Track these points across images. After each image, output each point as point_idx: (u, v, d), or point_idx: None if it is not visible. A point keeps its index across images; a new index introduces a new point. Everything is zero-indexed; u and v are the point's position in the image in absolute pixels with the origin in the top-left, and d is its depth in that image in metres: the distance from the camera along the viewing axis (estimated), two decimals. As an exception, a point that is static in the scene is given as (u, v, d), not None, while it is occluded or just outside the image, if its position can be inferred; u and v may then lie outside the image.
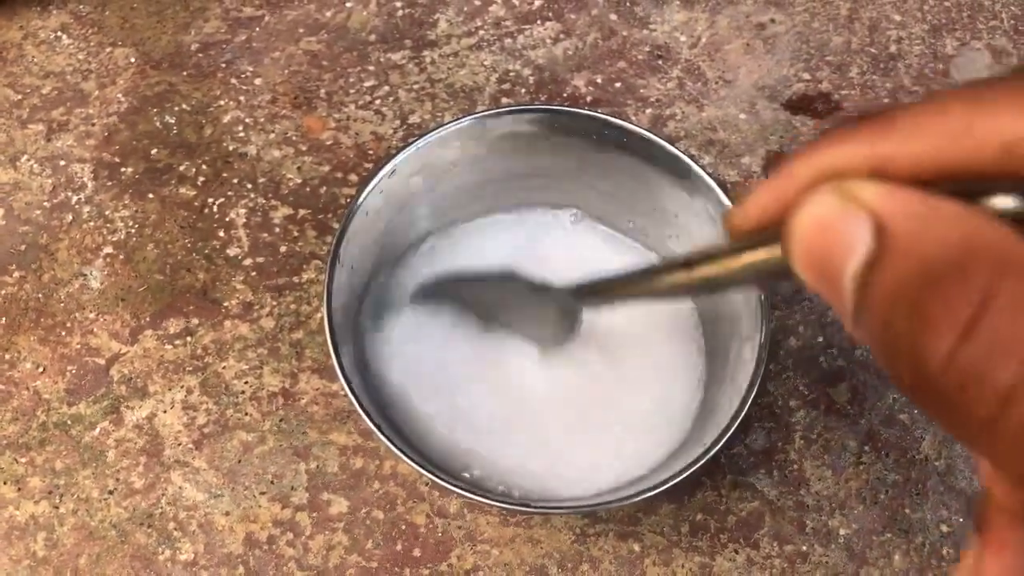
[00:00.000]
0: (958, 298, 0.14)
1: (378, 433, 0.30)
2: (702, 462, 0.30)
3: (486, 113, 0.36)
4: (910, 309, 0.15)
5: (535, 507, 0.32)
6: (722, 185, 0.35)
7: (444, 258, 0.39)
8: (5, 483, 0.37)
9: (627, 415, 0.36)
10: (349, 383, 0.31)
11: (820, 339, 0.40)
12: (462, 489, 0.30)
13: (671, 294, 0.30)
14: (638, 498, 0.30)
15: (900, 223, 0.15)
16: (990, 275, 0.14)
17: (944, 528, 0.37)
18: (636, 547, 0.36)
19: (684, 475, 0.30)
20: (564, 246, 0.40)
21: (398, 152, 0.36)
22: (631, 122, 0.45)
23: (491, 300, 0.36)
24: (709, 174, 0.34)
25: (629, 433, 0.36)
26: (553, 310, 0.34)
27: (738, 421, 0.31)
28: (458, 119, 0.36)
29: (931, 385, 0.15)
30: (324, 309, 0.32)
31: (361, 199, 0.35)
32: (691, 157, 0.35)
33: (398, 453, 0.30)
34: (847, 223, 0.16)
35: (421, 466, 0.30)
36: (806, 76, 0.47)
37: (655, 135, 0.35)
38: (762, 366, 0.32)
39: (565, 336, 0.35)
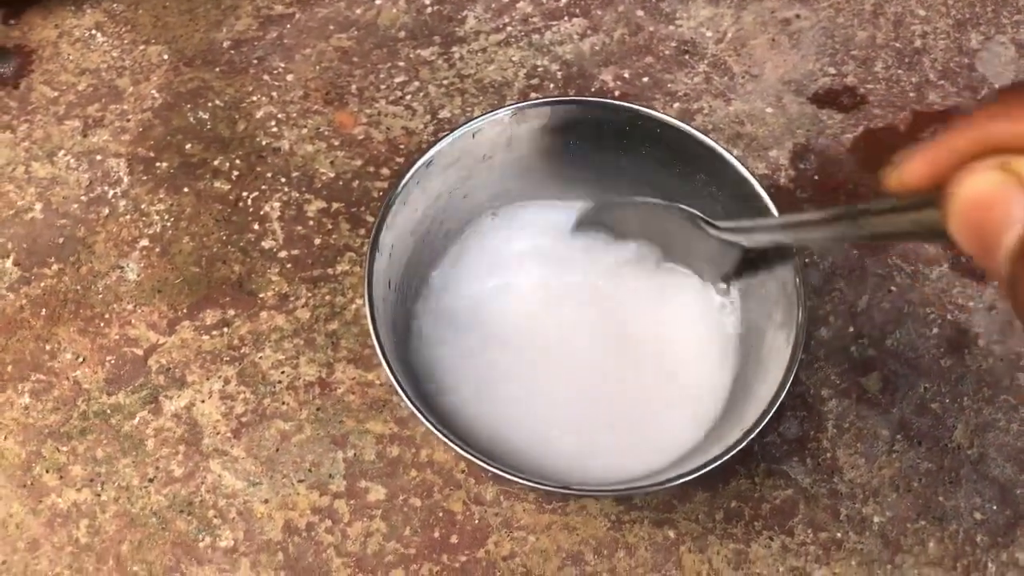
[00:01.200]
0: None
1: (418, 414, 0.31)
2: (740, 447, 0.31)
3: (520, 104, 0.37)
4: None
5: (573, 490, 0.32)
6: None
7: (473, 248, 0.39)
8: (47, 471, 0.38)
9: (658, 401, 0.36)
10: (389, 364, 0.31)
11: (851, 329, 0.41)
12: (500, 470, 0.30)
13: (832, 241, 0.33)
14: (675, 483, 0.30)
15: None
16: None
17: (978, 516, 0.37)
18: (671, 534, 0.37)
19: (722, 460, 0.30)
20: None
21: (434, 143, 0.36)
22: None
23: (657, 228, 0.37)
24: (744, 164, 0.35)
25: (661, 418, 0.36)
26: (715, 244, 0.34)
27: (775, 408, 0.31)
28: (492, 110, 0.37)
29: None
30: (364, 292, 0.33)
31: (399, 188, 0.35)
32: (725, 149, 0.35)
33: (438, 433, 0.30)
34: (1008, 198, 0.17)
35: (461, 447, 0.30)
36: (831, 70, 0.47)
37: (690, 125, 0.36)
38: (799, 353, 0.32)
39: (725, 270, 0.36)
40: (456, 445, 0.30)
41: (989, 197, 0.18)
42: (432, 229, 0.39)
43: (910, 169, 0.20)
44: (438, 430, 0.31)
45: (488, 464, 0.30)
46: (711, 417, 0.35)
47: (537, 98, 0.46)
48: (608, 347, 0.37)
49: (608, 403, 0.36)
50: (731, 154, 0.35)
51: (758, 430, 0.31)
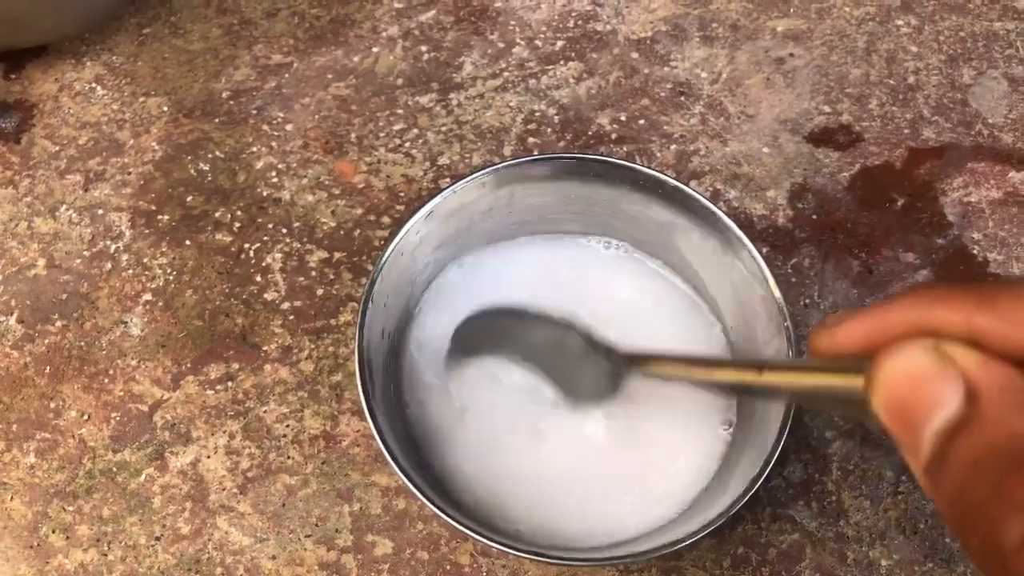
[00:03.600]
0: None
1: (411, 487, 0.31)
2: (733, 511, 0.31)
3: (521, 160, 0.37)
4: (991, 483, 0.16)
5: (575, 562, 0.33)
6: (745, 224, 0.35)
7: (466, 284, 0.39)
8: (54, 532, 0.38)
9: (657, 455, 0.36)
10: (383, 439, 0.32)
11: (852, 370, 0.41)
12: (499, 544, 0.31)
13: (731, 389, 0.31)
14: (676, 547, 0.30)
15: (993, 393, 0.17)
16: None
17: (984, 557, 0.37)
18: (679, 582, 0.37)
19: (714, 526, 0.30)
20: (596, 271, 0.40)
21: (433, 195, 0.36)
22: (656, 159, 0.46)
23: (537, 341, 0.36)
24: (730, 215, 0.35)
25: (661, 473, 0.36)
26: (602, 367, 0.34)
27: (765, 474, 0.31)
28: (494, 164, 0.37)
29: (1003, 562, 0.16)
30: (356, 362, 0.33)
31: (395, 242, 0.35)
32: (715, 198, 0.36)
33: (434, 508, 0.31)
34: (939, 380, 0.17)
35: (459, 522, 0.31)
36: (827, 109, 0.48)
37: (687, 186, 0.36)
38: (790, 413, 0.32)
39: (605, 394, 0.35)
40: (453, 520, 0.31)
41: (920, 375, 0.18)
42: (429, 280, 0.39)
43: (842, 332, 0.20)
44: (435, 505, 0.31)
45: (488, 538, 0.31)
46: (711, 466, 0.35)
47: (533, 145, 0.46)
48: (604, 406, 0.37)
49: (607, 457, 0.36)
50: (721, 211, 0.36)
51: (748, 496, 0.31)
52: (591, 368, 0.34)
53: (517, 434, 0.36)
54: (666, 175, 0.37)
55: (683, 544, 0.31)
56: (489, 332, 0.37)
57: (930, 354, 0.18)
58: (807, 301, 0.42)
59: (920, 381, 0.18)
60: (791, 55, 0.50)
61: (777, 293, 0.34)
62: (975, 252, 0.44)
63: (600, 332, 0.34)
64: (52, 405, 0.40)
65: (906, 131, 0.47)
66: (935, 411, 0.17)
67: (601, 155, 0.46)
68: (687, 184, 0.37)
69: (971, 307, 0.18)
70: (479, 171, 0.37)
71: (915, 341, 0.18)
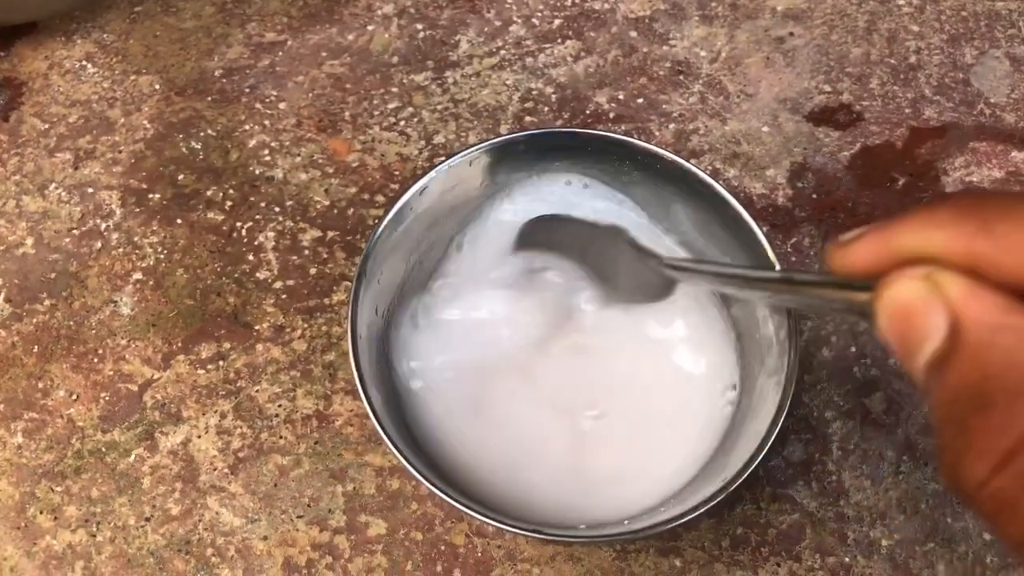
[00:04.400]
0: (1002, 426, 0.15)
1: (413, 470, 0.30)
2: (731, 489, 0.30)
3: (515, 135, 0.37)
4: (959, 423, 0.16)
5: (572, 537, 0.32)
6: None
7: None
8: (42, 512, 0.37)
9: (658, 429, 0.36)
10: (377, 417, 0.31)
11: (853, 349, 0.40)
12: (497, 521, 0.30)
13: (764, 299, 0.32)
14: (672, 524, 0.30)
15: (973, 328, 0.17)
16: None
17: (987, 536, 0.37)
18: (677, 563, 0.36)
19: (712, 503, 0.30)
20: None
21: (427, 171, 0.36)
22: (654, 138, 0.45)
23: (591, 248, 0.36)
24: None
25: (661, 447, 0.35)
26: (649, 272, 0.33)
27: (764, 451, 0.31)
28: (489, 140, 0.36)
29: (968, 499, 0.16)
30: (348, 336, 0.32)
31: (387, 218, 0.35)
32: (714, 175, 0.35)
33: (430, 486, 0.30)
34: (927, 311, 0.18)
35: (457, 501, 0.30)
36: (827, 88, 0.47)
37: (679, 157, 0.36)
38: (787, 401, 0.31)
39: (654, 296, 0.34)
40: (449, 496, 0.30)
41: (912, 306, 0.18)
42: (425, 258, 0.39)
43: (853, 252, 0.21)
44: (434, 485, 0.30)
45: (482, 515, 0.30)
46: (712, 439, 0.35)
47: (530, 123, 0.46)
48: (598, 393, 0.36)
49: (608, 430, 0.35)
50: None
51: (746, 474, 0.30)
52: (638, 272, 0.34)
53: (512, 404, 0.35)
54: (664, 150, 0.36)
55: (680, 522, 0.30)
56: (546, 232, 0.37)
57: (921, 284, 0.18)
58: (807, 280, 0.42)
59: (912, 311, 0.18)
60: (791, 34, 0.49)
61: (777, 266, 0.33)
62: (977, 231, 0.43)
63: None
64: (40, 385, 0.40)
65: (907, 110, 0.47)
66: (924, 342, 0.18)
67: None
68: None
69: (971, 232, 0.18)
70: (472, 147, 0.36)
71: (911, 270, 0.19)
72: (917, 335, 0.18)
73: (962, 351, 0.17)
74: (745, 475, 0.30)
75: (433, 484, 0.30)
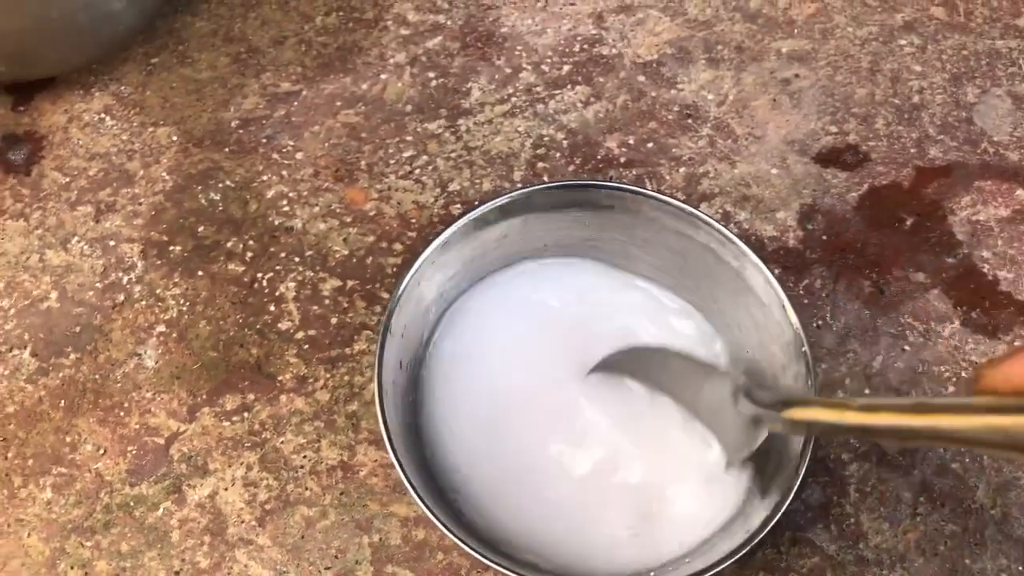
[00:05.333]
0: None
1: (437, 521, 0.31)
2: (756, 541, 0.31)
3: (534, 188, 0.37)
4: None
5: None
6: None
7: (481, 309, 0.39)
8: (72, 568, 0.37)
9: (682, 485, 0.36)
10: (404, 471, 0.32)
11: (867, 390, 0.41)
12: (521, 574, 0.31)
13: (890, 439, 0.30)
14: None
15: None
16: None
17: (1004, 577, 0.37)
18: (701, 608, 0.37)
19: (736, 556, 0.31)
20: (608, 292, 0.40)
21: (448, 224, 0.37)
22: (665, 182, 0.46)
23: (697, 393, 0.35)
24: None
25: (684, 503, 0.36)
26: (742, 418, 0.32)
27: (785, 506, 0.31)
28: (507, 192, 0.37)
29: None
30: (375, 388, 0.33)
31: (412, 272, 0.36)
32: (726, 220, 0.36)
33: (454, 539, 0.31)
34: None
35: (481, 553, 0.31)
36: (833, 129, 0.48)
37: (698, 209, 0.37)
38: (808, 452, 0.32)
39: (745, 446, 0.33)
40: (473, 550, 0.31)
41: None
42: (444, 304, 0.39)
43: (1014, 368, 0.18)
44: (457, 536, 0.31)
45: (507, 568, 0.31)
46: (734, 496, 0.35)
47: (543, 170, 0.47)
48: (625, 440, 0.37)
49: (629, 492, 0.36)
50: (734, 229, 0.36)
51: (765, 531, 0.31)
52: (733, 413, 0.32)
53: (541, 469, 0.36)
54: (678, 199, 0.37)
55: (707, 573, 0.31)
56: (641, 363, 0.36)
57: None
58: (819, 323, 0.43)
59: None
60: (796, 76, 0.50)
61: (794, 318, 0.34)
62: (985, 271, 0.44)
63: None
64: (68, 439, 0.40)
65: (912, 150, 0.48)
66: None
67: (611, 180, 0.46)
68: (697, 207, 0.37)
69: None
70: (492, 200, 0.37)
71: None
72: None
73: None
74: (767, 529, 0.31)
75: (459, 537, 0.31)
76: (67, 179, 0.47)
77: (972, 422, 0.20)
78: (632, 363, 0.37)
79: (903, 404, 0.24)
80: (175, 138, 0.48)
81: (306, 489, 0.39)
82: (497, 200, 0.37)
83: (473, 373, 0.38)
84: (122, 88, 0.50)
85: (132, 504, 0.39)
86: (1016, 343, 0.42)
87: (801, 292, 0.43)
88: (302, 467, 0.39)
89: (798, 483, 0.31)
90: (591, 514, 0.35)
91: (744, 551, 0.31)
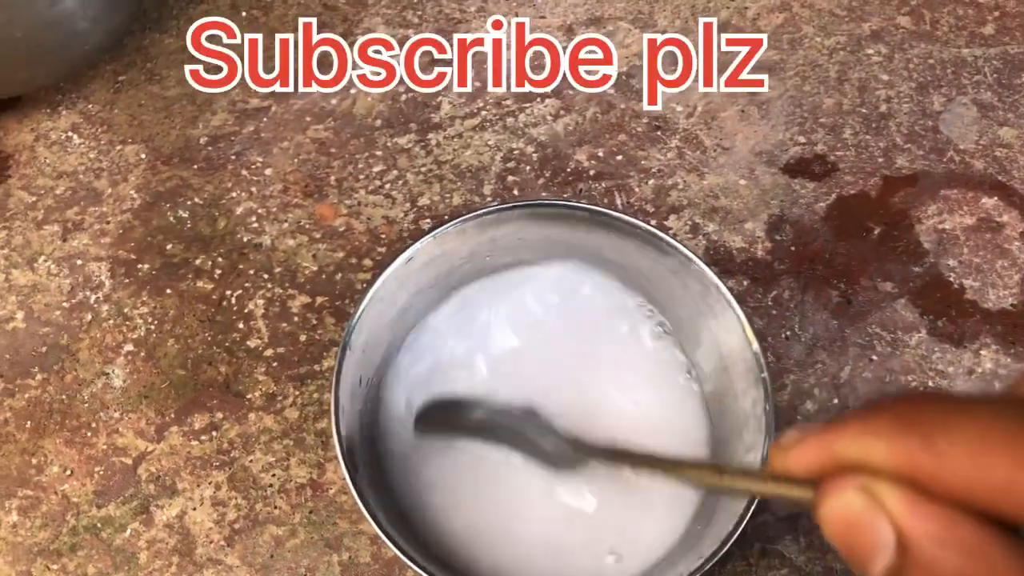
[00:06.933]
0: None
1: (393, 547, 0.31)
2: (724, 549, 0.31)
3: (502, 207, 0.37)
4: None
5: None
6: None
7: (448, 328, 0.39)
8: (38, 592, 0.37)
9: (633, 502, 0.36)
10: (368, 507, 0.31)
11: (835, 401, 0.41)
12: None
13: (690, 485, 0.34)
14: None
15: (920, 543, 0.17)
16: None
17: (972, 585, 0.37)
18: (671, 622, 0.37)
19: (707, 566, 0.31)
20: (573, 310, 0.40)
21: (415, 239, 0.37)
22: (634, 194, 0.46)
23: (499, 429, 0.35)
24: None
25: (640, 518, 0.36)
26: (565, 455, 0.33)
27: (735, 536, 0.31)
28: (473, 212, 0.37)
29: None
30: (332, 404, 0.33)
31: (373, 289, 0.35)
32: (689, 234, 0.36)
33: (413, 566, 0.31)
34: (872, 526, 0.18)
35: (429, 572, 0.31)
36: (801, 139, 0.49)
37: (664, 224, 0.37)
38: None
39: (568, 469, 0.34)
40: (424, 570, 0.31)
41: (854, 519, 0.18)
42: (408, 325, 0.39)
43: (793, 457, 0.20)
44: (409, 557, 0.31)
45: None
46: (689, 511, 0.35)
47: (513, 184, 0.47)
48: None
49: (583, 522, 0.35)
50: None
51: (725, 548, 0.31)
52: (554, 454, 0.34)
53: (492, 498, 0.36)
54: (642, 220, 0.37)
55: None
56: (452, 417, 0.36)
57: (862, 497, 0.18)
58: (788, 333, 0.43)
59: (856, 525, 0.18)
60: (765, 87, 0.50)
61: (755, 344, 0.34)
62: (951, 279, 0.44)
63: (560, 422, 0.34)
64: (34, 461, 0.40)
65: (880, 159, 0.48)
66: (874, 555, 0.18)
67: (580, 192, 0.46)
68: (667, 219, 0.37)
69: (912, 447, 0.18)
70: (459, 218, 0.37)
71: (850, 480, 0.19)
72: (866, 550, 0.18)
73: (913, 569, 0.17)
74: (720, 555, 0.31)
75: (410, 557, 0.31)
76: (34, 198, 0.47)
77: (759, 486, 0.24)
78: (438, 420, 0.36)
79: (706, 465, 0.29)
80: (143, 156, 0.48)
81: (275, 508, 0.39)
82: (464, 218, 0.37)
83: (435, 392, 0.38)
84: (90, 106, 0.49)
85: (99, 526, 0.38)
86: (982, 352, 0.42)
87: (770, 303, 0.44)
88: (271, 486, 0.39)
89: (747, 517, 0.31)
90: (551, 532, 0.35)
91: (714, 561, 0.31)
